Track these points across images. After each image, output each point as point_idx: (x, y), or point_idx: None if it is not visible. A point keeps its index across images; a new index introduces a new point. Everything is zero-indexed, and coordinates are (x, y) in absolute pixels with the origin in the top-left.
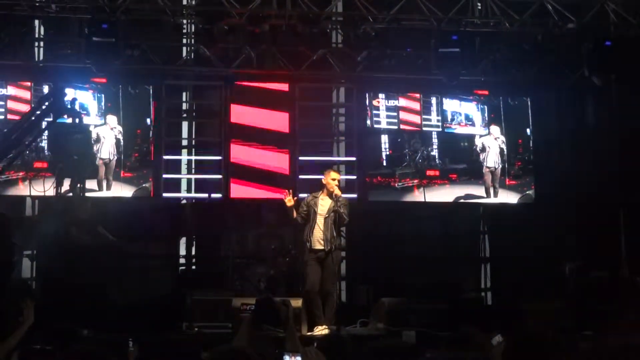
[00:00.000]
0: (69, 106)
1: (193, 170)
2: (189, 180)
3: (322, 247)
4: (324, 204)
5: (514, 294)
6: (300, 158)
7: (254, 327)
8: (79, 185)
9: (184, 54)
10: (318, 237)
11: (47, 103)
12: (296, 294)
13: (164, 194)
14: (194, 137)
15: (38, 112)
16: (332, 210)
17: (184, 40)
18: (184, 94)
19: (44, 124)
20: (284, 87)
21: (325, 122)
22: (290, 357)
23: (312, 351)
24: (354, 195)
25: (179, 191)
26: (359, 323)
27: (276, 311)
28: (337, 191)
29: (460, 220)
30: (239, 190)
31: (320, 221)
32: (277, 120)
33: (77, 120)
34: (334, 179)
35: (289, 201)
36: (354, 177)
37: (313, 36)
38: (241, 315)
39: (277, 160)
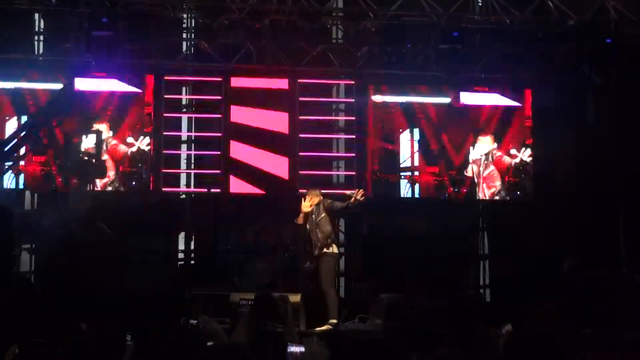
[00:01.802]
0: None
1: (192, 165)
2: (188, 175)
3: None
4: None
5: (513, 292)
6: (301, 154)
7: (253, 323)
8: (90, 186)
9: (184, 48)
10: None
11: (56, 100)
12: (295, 290)
13: (163, 189)
14: (193, 132)
15: (47, 109)
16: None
17: (184, 35)
18: (184, 88)
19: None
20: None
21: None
22: (294, 348)
23: (314, 342)
24: (353, 192)
25: (178, 186)
26: (357, 319)
27: (275, 307)
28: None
29: (459, 217)
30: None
31: (312, 228)
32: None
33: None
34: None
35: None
36: (353, 173)
37: (313, 32)
38: (240, 310)
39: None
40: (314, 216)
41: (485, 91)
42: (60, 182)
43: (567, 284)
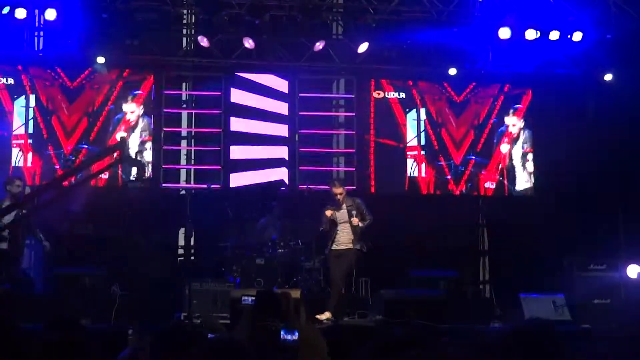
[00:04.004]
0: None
1: (192, 161)
2: (188, 171)
3: (339, 248)
4: (340, 213)
5: (512, 287)
6: (301, 149)
7: (255, 319)
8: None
9: (184, 44)
10: (340, 240)
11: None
12: (294, 285)
13: (163, 184)
14: (193, 127)
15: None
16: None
17: (184, 31)
18: (184, 84)
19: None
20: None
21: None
22: (287, 334)
23: (309, 328)
24: (354, 187)
25: (178, 182)
26: (357, 314)
27: (277, 303)
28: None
29: (459, 212)
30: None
31: (340, 227)
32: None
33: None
34: (335, 194)
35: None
36: (353, 169)
37: (313, 27)
38: (241, 306)
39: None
40: (344, 211)
41: (484, 87)
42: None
43: (567, 279)
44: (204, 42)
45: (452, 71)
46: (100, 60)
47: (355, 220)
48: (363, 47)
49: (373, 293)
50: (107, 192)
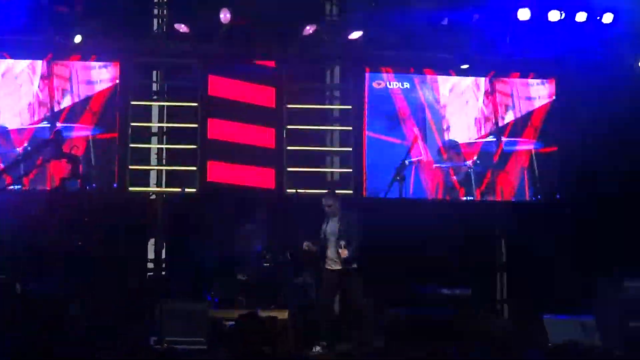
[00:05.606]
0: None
1: (164, 161)
2: (159, 172)
3: (330, 268)
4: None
5: (534, 307)
6: (289, 147)
7: (238, 346)
8: None
9: (155, 26)
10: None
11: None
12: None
13: (130, 188)
14: (165, 122)
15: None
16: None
17: (155, 11)
18: (155, 73)
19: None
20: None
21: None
22: None
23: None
24: (350, 191)
25: (147, 185)
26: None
27: (261, 326)
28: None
29: (473, 221)
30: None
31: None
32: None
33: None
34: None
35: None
36: (350, 170)
37: (304, 7)
38: (221, 330)
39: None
40: (338, 224)
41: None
42: None
43: (598, 298)
44: (182, 28)
45: (465, 67)
46: (77, 39)
47: (343, 252)
48: (355, 35)
49: (375, 311)
50: (64, 197)
